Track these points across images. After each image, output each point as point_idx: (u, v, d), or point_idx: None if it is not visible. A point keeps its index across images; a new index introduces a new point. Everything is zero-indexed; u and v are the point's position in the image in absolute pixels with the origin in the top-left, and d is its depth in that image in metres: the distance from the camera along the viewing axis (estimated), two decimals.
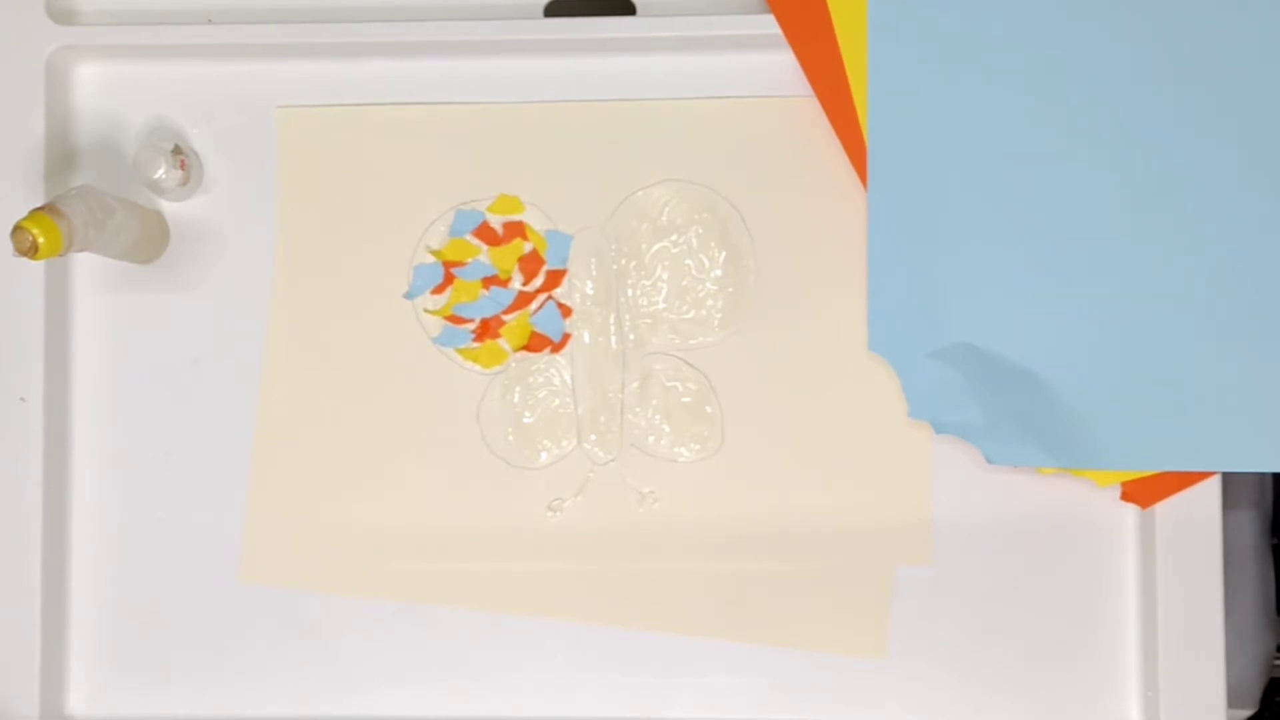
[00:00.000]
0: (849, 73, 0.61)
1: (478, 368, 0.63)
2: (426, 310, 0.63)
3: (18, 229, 0.53)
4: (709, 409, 0.63)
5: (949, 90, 0.60)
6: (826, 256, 0.62)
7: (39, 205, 0.54)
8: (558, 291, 0.63)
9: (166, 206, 0.63)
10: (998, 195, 0.60)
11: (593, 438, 0.63)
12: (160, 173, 0.61)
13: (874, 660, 0.62)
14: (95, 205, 0.56)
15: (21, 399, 0.62)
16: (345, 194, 0.64)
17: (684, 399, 0.63)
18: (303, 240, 0.64)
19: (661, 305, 0.63)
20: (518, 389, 0.63)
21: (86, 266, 0.63)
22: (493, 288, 0.63)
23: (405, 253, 0.63)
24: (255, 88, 0.64)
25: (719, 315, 0.63)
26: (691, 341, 0.63)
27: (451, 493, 0.63)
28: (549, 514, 0.63)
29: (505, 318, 0.63)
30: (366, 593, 0.63)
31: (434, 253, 0.63)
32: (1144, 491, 0.60)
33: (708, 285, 0.63)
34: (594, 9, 0.62)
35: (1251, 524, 0.75)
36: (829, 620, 0.62)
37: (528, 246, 0.63)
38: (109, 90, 0.64)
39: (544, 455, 0.63)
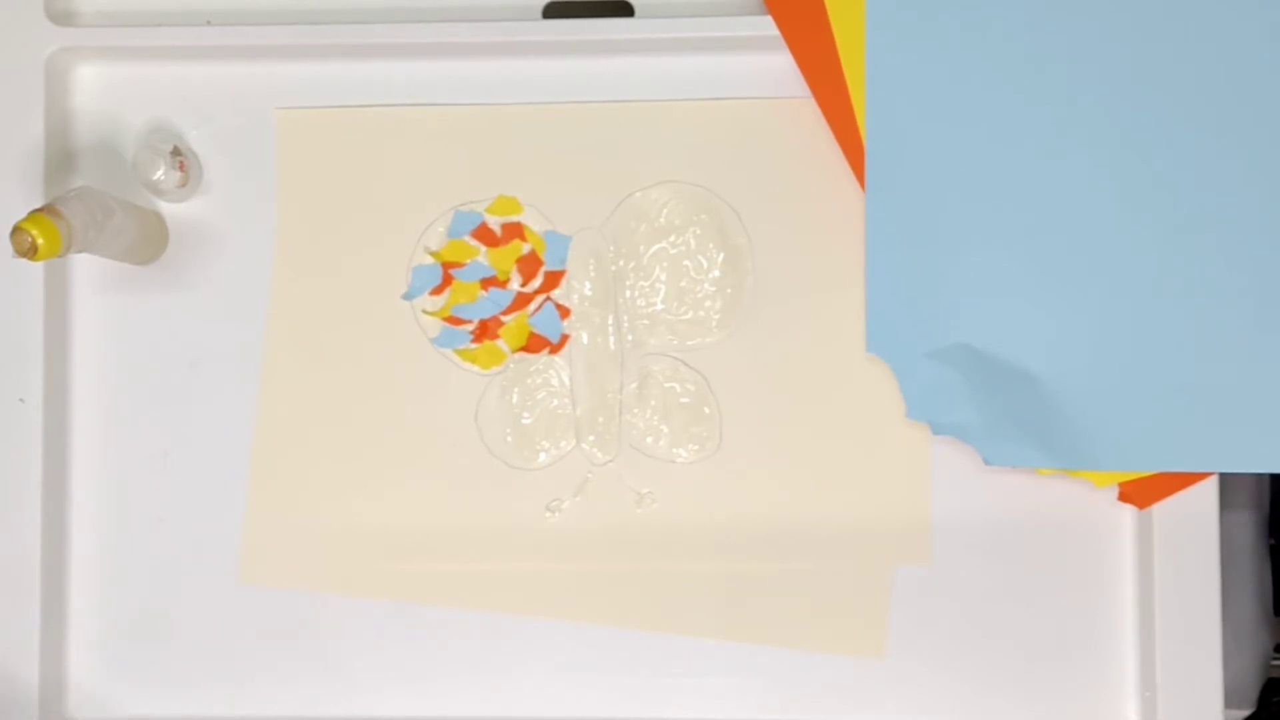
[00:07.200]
0: (847, 74, 0.61)
1: (476, 369, 0.63)
2: (425, 311, 0.63)
3: (17, 230, 0.53)
4: (707, 410, 0.63)
5: (947, 91, 0.60)
6: (824, 257, 0.62)
7: (38, 206, 0.54)
8: (556, 292, 0.63)
9: (165, 207, 0.63)
10: (995, 196, 0.60)
11: (591, 438, 0.63)
12: (159, 174, 0.61)
13: (871, 660, 0.62)
14: (94, 206, 0.56)
15: (21, 399, 0.62)
16: (344, 195, 0.64)
17: (682, 399, 0.63)
18: (302, 241, 0.64)
19: (660, 306, 0.63)
20: (516, 390, 0.63)
21: (86, 267, 0.64)
22: (491, 289, 0.63)
23: (404, 254, 0.63)
24: (254, 89, 0.64)
25: (717, 316, 0.63)
26: (690, 342, 0.63)
27: (450, 493, 0.63)
28: (547, 514, 0.63)
29: (504, 319, 0.63)
30: (366, 593, 0.63)
31: (432, 254, 0.63)
32: (1142, 492, 0.60)
33: (706, 286, 0.63)
34: (592, 10, 0.62)
35: (1249, 524, 0.75)
36: (827, 621, 0.62)
37: (526, 247, 0.63)
38: (108, 91, 0.64)
39: (543, 456, 0.63)
